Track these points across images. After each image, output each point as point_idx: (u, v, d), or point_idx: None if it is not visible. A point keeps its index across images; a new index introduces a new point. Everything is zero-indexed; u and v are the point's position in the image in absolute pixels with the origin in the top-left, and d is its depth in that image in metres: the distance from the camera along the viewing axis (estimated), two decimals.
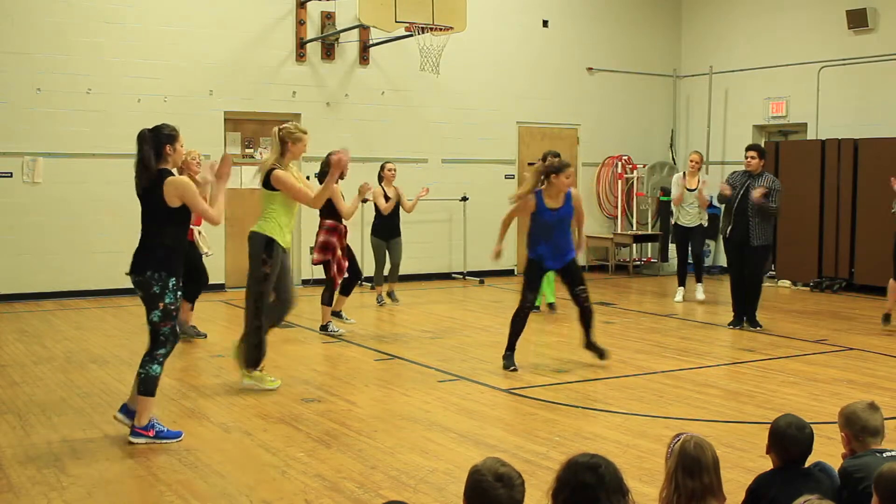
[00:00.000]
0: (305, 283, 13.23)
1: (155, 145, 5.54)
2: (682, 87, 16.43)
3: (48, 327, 9.73)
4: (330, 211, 9.07)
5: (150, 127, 5.64)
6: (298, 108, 13.12)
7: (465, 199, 14.04)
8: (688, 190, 11.45)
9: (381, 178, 11.08)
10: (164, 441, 5.57)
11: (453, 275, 14.28)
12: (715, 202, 11.01)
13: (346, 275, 9.31)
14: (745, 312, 9.72)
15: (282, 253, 6.89)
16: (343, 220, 9.17)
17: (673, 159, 16.38)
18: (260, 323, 6.85)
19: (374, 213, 11.20)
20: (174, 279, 5.57)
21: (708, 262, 15.57)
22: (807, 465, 3.53)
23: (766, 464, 3.67)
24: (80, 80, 11.78)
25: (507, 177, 14.85)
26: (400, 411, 6.38)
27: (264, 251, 6.80)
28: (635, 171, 15.66)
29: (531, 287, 7.81)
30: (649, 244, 15.56)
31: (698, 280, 11.81)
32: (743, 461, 5.13)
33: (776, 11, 14.72)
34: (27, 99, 11.52)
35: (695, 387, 7.15)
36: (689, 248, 11.66)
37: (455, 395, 6.86)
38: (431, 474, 4.99)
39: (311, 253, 9.35)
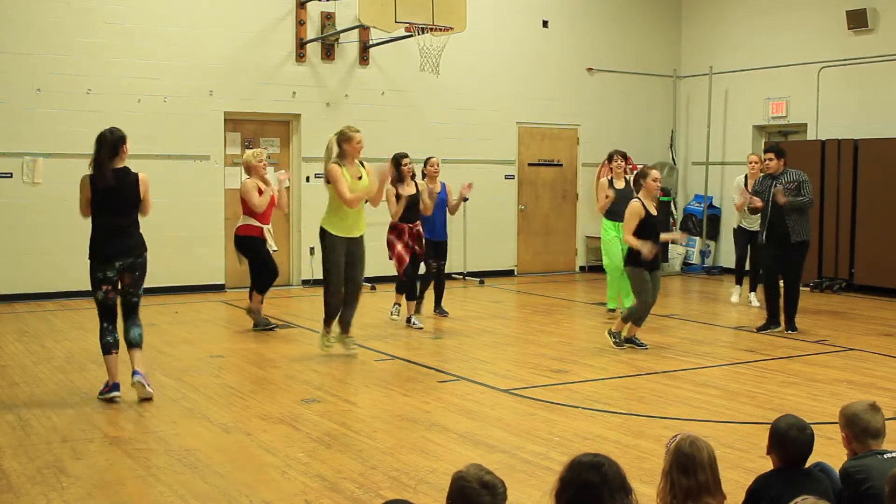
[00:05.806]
0: (305, 283, 13.24)
1: (112, 146, 6.49)
2: (682, 88, 16.43)
3: (48, 327, 9.72)
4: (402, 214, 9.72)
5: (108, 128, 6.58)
6: (298, 109, 13.12)
7: (465, 199, 14.00)
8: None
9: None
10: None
11: (453, 275, 14.25)
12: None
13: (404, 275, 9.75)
14: (778, 315, 9.51)
15: (339, 241, 7.92)
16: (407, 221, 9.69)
17: (673, 159, 16.38)
18: (328, 291, 8.08)
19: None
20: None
21: (708, 262, 15.58)
22: (807, 465, 3.54)
23: (767, 464, 3.66)
24: (80, 80, 11.77)
25: (507, 177, 14.85)
26: (400, 411, 6.39)
27: (320, 239, 8.06)
28: (635, 172, 15.60)
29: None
30: None
31: (752, 289, 11.41)
32: (743, 461, 5.13)
33: (776, 11, 14.72)
34: (27, 99, 11.52)
35: (695, 387, 7.15)
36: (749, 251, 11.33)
37: (455, 395, 6.87)
38: (431, 474, 4.99)
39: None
